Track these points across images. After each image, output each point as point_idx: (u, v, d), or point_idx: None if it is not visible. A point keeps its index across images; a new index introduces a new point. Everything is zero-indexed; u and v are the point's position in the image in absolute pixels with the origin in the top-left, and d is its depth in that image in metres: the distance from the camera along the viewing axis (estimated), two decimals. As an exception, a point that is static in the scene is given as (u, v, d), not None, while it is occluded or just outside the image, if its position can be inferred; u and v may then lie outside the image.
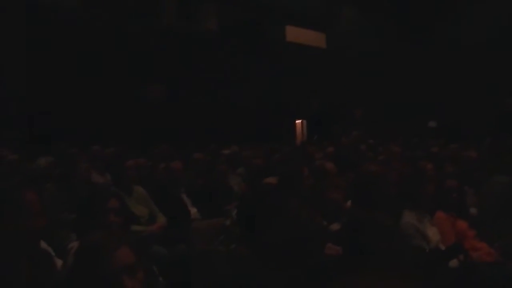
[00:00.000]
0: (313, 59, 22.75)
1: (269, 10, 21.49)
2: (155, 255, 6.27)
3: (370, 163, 7.35)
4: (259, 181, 6.34)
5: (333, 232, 5.68)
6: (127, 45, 17.14)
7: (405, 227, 5.54)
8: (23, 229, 3.52)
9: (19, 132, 13.33)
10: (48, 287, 3.61)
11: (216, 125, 17.89)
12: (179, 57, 18.60)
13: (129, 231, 5.10)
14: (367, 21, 24.07)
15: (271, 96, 20.87)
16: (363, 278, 1.35)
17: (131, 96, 16.81)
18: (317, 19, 23.32)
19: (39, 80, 14.69)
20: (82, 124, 14.71)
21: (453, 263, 5.24)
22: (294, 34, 22.74)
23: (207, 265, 5.03)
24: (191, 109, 18.17)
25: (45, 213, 3.82)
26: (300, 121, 23.54)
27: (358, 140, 15.51)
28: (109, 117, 15.58)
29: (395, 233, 4.94)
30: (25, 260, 2.50)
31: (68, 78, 15.30)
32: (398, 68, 22.51)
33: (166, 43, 18.33)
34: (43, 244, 4.10)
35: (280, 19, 22.18)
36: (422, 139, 15.87)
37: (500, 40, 20.14)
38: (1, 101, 13.86)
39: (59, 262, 4.14)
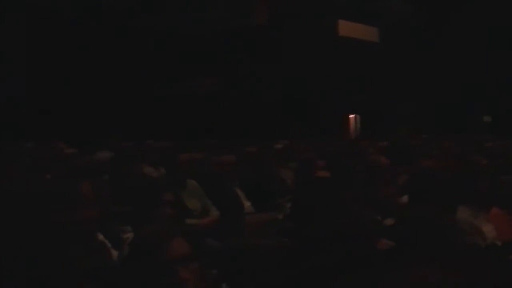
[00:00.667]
0: (366, 53, 22.59)
1: (321, 4, 21.40)
2: (208, 248, 6.30)
3: (425, 159, 7.29)
4: (312, 175, 6.33)
5: (387, 227, 5.64)
6: (179, 41, 17.26)
7: (459, 223, 5.47)
8: (79, 220, 3.58)
9: (77, 127, 13.52)
10: (104, 277, 3.66)
11: (268, 119, 17.88)
12: (232, 51, 18.65)
13: (183, 224, 5.15)
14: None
15: (324, 90, 20.78)
16: (418, 270, 1.34)
17: (184, 90, 16.92)
18: (369, 13, 23.15)
19: (93, 75, 14.89)
20: (137, 119, 14.88)
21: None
22: (347, 28, 22.61)
23: (260, 258, 5.04)
24: (243, 103, 18.20)
25: (100, 205, 3.88)
26: (353, 115, 23.43)
27: (411, 135, 15.38)
28: (163, 112, 15.73)
29: (450, 229, 4.88)
30: (82, 249, 2.55)
31: (123, 74, 15.48)
32: (452, 61, 22.22)
33: (216, 39, 18.40)
34: (100, 236, 4.17)
35: (332, 14, 22.07)
36: (477, 134, 15.67)
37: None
38: (57, 98, 14.09)
39: (114, 253, 4.20)
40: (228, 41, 18.68)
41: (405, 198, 6.42)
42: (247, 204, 7.85)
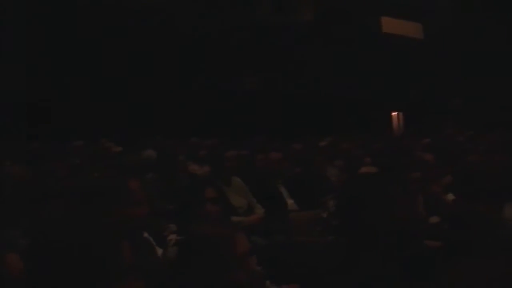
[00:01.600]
0: (410, 50, 22.45)
1: (365, 1, 21.32)
2: (253, 245, 6.32)
3: (472, 155, 7.21)
4: (359, 171, 6.30)
5: (433, 225, 5.61)
6: (223, 39, 17.32)
7: (508, 219, 5.41)
8: (126, 217, 3.62)
9: (123, 126, 13.64)
10: (149, 274, 3.69)
11: (312, 117, 17.87)
12: (275, 48, 18.66)
13: (229, 221, 5.17)
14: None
15: (367, 87, 20.69)
16: (469, 266, 1.33)
17: (228, 88, 17.00)
18: (413, 9, 22.98)
19: (136, 73, 15.04)
20: (181, 116, 14.99)
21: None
22: (390, 25, 22.48)
23: (305, 256, 5.04)
24: (286, 100, 18.21)
25: (147, 202, 3.92)
26: (396, 113, 23.31)
27: (457, 131, 15.24)
28: (208, 109, 15.83)
29: (498, 226, 4.83)
30: (127, 246, 2.57)
31: (167, 71, 15.61)
32: (499, 56, 21.93)
33: (261, 35, 18.42)
34: (145, 234, 4.20)
35: (376, 10, 21.96)
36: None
37: None
38: (101, 97, 14.26)
39: (159, 251, 4.24)
40: (273, 38, 18.69)
41: (450, 196, 6.37)
42: (290, 201, 7.85)
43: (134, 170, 7.41)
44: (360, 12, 21.37)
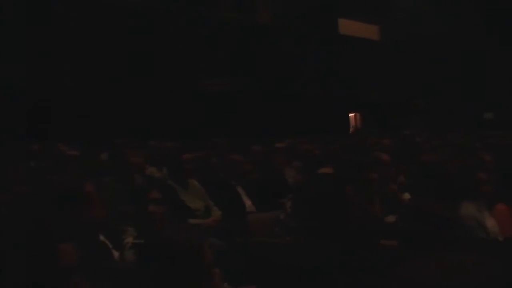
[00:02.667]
0: (367, 51, 22.62)
1: (322, 3, 21.44)
2: (211, 248, 6.28)
3: (429, 154, 7.29)
4: (316, 172, 6.32)
5: (389, 224, 5.64)
6: (185, 40, 17.28)
7: (463, 217, 5.47)
8: (83, 220, 3.59)
9: (79, 129, 13.50)
10: (105, 278, 3.66)
11: (270, 118, 17.90)
12: (237, 49, 18.68)
13: (186, 224, 5.15)
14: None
15: (325, 88, 20.80)
16: (426, 263, 1.33)
17: (191, 89, 16.96)
18: (370, 11, 23.16)
19: (95, 74, 14.92)
20: (140, 119, 14.90)
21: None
22: (347, 26, 22.63)
23: (263, 257, 5.04)
24: (247, 102, 18.22)
25: (104, 205, 3.89)
26: (353, 114, 23.47)
27: (415, 132, 15.41)
28: (167, 111, 15.76)
29: (454, 224, 4.88)
30: (70, 247, 2.55)
31: (128, 74, 15.51)
32: (459, 57, 22.23)
33: (223, 36, 18.43)
34: (101, 237, 4.16)
35: (333, 12, 22.10)
36: (480, 130, 15.68)
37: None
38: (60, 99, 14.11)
39: (116, 255, 4.20)
40: (234, 38, 18.70)
41: (406, 195, 6.43)
42: (248, 203, 7.85)
43: (91, 174, 7.35)
44: (318, 14, 21.47)
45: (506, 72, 21.18)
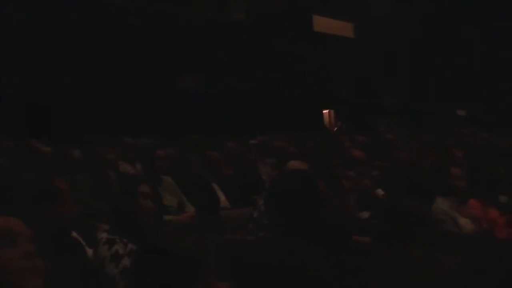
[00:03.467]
0: (341, 49, 22.68)
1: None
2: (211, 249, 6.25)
3: (403, 151, 7.33)
4: (289, 169, 6.33)
5: (362, 220, 5.67)
6: (160, 36, 17.23)
7: (437, 213, 5.52)
8: (54, 217, 3.56)
9: (52, 125, 13.40)
10: (77, 275, 3.63)
11: (245, 115, 17.89)
12: (212, 47, 18.64)
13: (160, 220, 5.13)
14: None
15: (299, 85, 20.83)
16: (399, 258, 1.33)
17: (166, 87, 16.91)
18: (344, 8, 23.21)
19: (66, 71, 14.82)
20: (114, 115, 14.84)
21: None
22: (321, 23, 22.65)
23: (237, 254, 5.03)
24: (222, 100, 18.21)
25: (76, 202, 3.86)
26: (327, 111, 23.51)
27: (388, 129, 15.48)
28: (142, 108, 15.70)
29: (428, 219, 4.91)
30: (54, 247, 2.52)
31: (103, 71, 15.43)
32: (428, 56, 22.37)
33: (198, 33, 18.39)
34: (74, 234, 4.13)
35: (307, 9, 22.11)
36: (453, 127, 15.78)
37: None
38: (30, 94, 14.00)
39: (89, 252, 4.17)
40: (209, 38, 18.66)
41: (380, 191, 6.47)
42: (223, 199, 7.84)
43: (64, 170, 7.30)
44: (293, 11, 21.48)
45: (479, 71, 21.37)
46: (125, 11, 16.77)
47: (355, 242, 4.70)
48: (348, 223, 5.02)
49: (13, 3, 14.41)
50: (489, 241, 5.24)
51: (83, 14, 15.51)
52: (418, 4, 22.99)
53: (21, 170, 7.52)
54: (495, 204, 6.22)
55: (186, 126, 14.81)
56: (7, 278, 2.52)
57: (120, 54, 16.08)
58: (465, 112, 22.24)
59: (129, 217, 4.30)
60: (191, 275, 2.46)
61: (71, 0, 15.41)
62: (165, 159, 7.67)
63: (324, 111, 23.46)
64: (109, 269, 3.98)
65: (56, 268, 3.09)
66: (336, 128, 21.15)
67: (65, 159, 8.91)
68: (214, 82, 18.50)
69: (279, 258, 3.38)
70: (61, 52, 14.91)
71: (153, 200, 4.50)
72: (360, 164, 6.89)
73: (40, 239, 2.81)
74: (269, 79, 19.97)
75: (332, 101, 22.42)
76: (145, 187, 4.44)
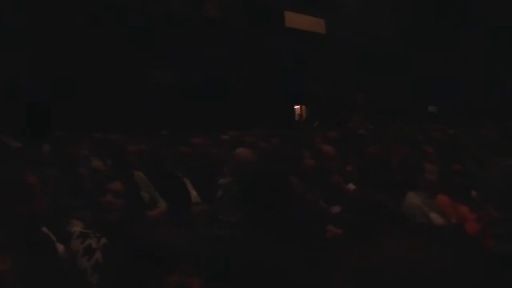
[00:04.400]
0: (313, 45, 22.73)
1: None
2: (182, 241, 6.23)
3: (374, 147, 7.37)
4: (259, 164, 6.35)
5: (334, 215, 5.68)
6: (132, 30, 17.15)
7: (408, 208, 5.57)
8: (23, 213, 3.53)
9: (22, 120, 13.30)
10: (48, 272, 3.61)
11: (215, 110, 17.88)
12: (184, 42, 18.59)
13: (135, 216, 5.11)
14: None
15: (271, 81, 20.85)
16: (381, 245, 1.34)
17: (136, 82, 16.85)
18: (316, 4, 23.27)
19: (38, 67, 14.71)
20: (85, 111, 14.76)
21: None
22: (293, 19, 22.68)
23: (208, 249, 5.03)
24: (193, 94, 18.18)
25: (46, 197, 3.83)
26: (299, 106, 23.56)
27: (359, 125, 15.54)
28: (116, 104, 15.65)
29: (399, 214, 4.94)
30: (24, 244, 2.50)
31: (72, 65, 15.34)
32: (400, 53, 22.52)
33: (169, 28, 18.34)
34: (44, 230, 4.10)
35: (279, 5, 22.14)
36: (423, 123, 15.89)
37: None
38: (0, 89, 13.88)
39: (60, 248, 4.14)
40: (180, 33, 18.60)
41: (351, 186, 6.50)
42: (194, 194, 7.83)
43: (34, 166, 7.24)
44: (265, 7, 21.50)
45: (450, 68, 21.54)
46: (97, 5, 16.67)
47: (327, 234, 4.72)
48: (319, 217, 5.04)
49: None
50: (461, 234, 5.28)
51: (51, 10, 15.39)
52: (391, 1, 23.13)
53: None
54: (466, 199, 6.29)
55: (157, 121, 14.77)
56: None
57: (89, 50, 15.99)
58: (435, 109, 22.42)
59: (100, 213, 4.29)
60: (163, 270, 2.45)
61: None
62: (136, 154, 7.64)
63: (296, 107, 23.51)
64: (81, 263, 3.97)
65: (26, 264, 3.07)
66: (307, 124, 21.19)
67: (35, 154, 8.84)
68: (185, 77, 18.46)
69: (251, 254, 3.38)
70: (31, 48, 14.80)
71: (126, 196, 4.49)
72: (331, 160, 6.92)
73: (9, 234, 2.79)
74: (240, 75, 19.96)
75: (303, 96, 22.46)
76: (117, 184, 4.42)
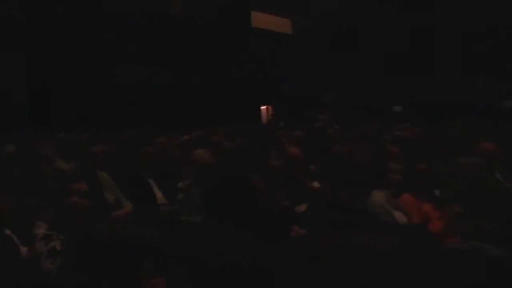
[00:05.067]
0: (280, 45, 22.78)
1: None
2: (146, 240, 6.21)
3: (339, 146, 7.41)
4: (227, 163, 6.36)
5: (299, 214, 5.70)
6: (99, 27, 17.06)
7: (372, 206, 5.60)
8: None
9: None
10: (10, 274, 3.58)
11: (181, 110, 17.83)
12: (151, 40, 18.54)
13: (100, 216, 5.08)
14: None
15: (237, 81, 20.86)
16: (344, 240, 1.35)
17: (103, 80, 16.75)
18: (283, 4, 23.32)
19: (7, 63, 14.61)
20: (50, 109, 14.65)
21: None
22: (260, 20, 22.71)
23: (174, 249, 5.01)
24: (158, 92, 18.13)
25: (9, 198, 3.79)
26: (265, 106, 23.60)
27: (325, 124, 15.58)
28: (81, 103, 15.56)
29: (363, 212, 4.98)
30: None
31: (38, 64, 15.23)
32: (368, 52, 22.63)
33: (136, 25, 18.26)
34: (7, 232, 4.07)
35: (246, 5, 22.16)
36: (389, 123, 15.98)
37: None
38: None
39: (23, 250, 4.11)
40: (148, 30, 18.54)
41: (316, 184, 6.52)
42: (159, 195, 7.79)
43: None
44: (231, 6, 21.51)
45: (417, 66, 21.67)
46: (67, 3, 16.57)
47: (292, 234, 4.73)
48: (284, 217, 5.05)
49: None
50: (422, 231, 5.34)
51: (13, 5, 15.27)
52: (358, 2, 23.25)
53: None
54: (430, 198, 6.35)
55: (122, 121, 14.69)
56: None
57: (57, 46, 15.87)
58: (400, 109, 22.57)
59: (64, 214, 4.26)
60: (128, 270, 2.45)
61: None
62: (101, 154, 7.60)
63: (262, 107, 23.55)
64: (45, 265, 3.94)
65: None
66: (274, 123, 21.22)
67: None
68: (150, 76, 18.39)
69: (216, 253, 3.38)
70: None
71: (91, 197, 4.47)
72: (296, 159, 6.95)
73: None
74: (207, 74, 19.95)
75: (270, 96, 22.51)
76: (82, 184, 4.40)
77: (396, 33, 22.57)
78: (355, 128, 14.01)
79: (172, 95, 18.43)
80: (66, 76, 15.87)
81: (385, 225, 5.34)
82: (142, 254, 2.52)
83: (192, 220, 5.87)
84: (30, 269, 3.95)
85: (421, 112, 19.43)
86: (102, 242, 2.62)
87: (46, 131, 11.28)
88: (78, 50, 16.41)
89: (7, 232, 4.04)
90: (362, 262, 1.23)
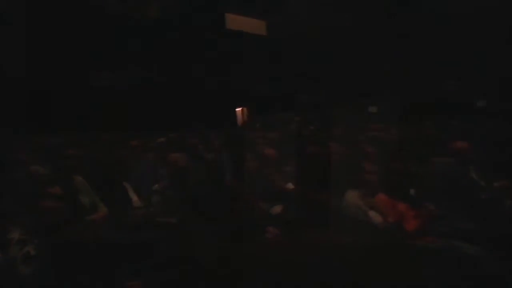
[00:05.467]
0: (255, 46, 22.77)
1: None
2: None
3: (315, 146, 7.44)
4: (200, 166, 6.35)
5: (275, 215, 5.71)
6: (73, 30, 16.97)
7: (347, 205, 5.63)
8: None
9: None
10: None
11: (156, 112, 17.79)
12: (127, 43, 18.46)
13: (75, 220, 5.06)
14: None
15: (212, 83, 20.84)
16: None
17: (78, 83, 16.66)
18: (258, 6, 23.32)
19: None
20: (25, 112, 14.55)
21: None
22: (234, 21, 22.70)
23: (150, 253, 5.01)
24: (133, 95, 18.07)
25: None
26: (240, 108, 23.58)
27: (300, 125, 15.62)
28: (55, 105, 15.45)
29: (338, 211, 5.00)
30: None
31: (13, 67, 15.12)
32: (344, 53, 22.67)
33: (111, 28, 18.18)
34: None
35: (220, 7, 22.14)
36: (364, 123, 16.02)
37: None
38: None
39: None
40: (123, 33, 18.45)
41: (290, 185, 6.54)
42: (135, 199, 7.77)
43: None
44: (205, 8, 21.48)
45: (393, 67, 21.74)
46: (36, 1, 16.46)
47: (267, 235, 4.75)
48: (259, 216, 5.06)
49: None
50: (397, 230, 5.38)
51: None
52: (332, 3, 23.28)
53: None
54: (405, 197, 6.39)
55: (97, 124, 14.62)
56: None
57: (31, 50, 15.77)
58: (376, 109, 22.64)
59: (39, 218, 4.24)
60: (104, 273, 2.45)
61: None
62: (76, 158, 7.57)
63: (238, 109, 23.54)
64: (20, 269, 3.92)
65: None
66: (249, 125, 21.22)
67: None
68: (125, 79, 18.34)
69: (191, 255, 3.39)
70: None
71: (66, 201, 4.45)
72: (271, 161, 6.96)
73: None
74: (181, 77, 19.91)
75: (245, 98, 22.51)
76: (56, 188, 4.38)
77: (371, 34, 22.65)
78: (330, 129, 14.04)
79: (146, 97, 18.37)
80: (40, 78, 15.76)
81: (360, 224, 5.38)
82: (117, 258, 2.53)
83: (167, 222, 5.86)
84: (5, 274, 3.93)
85: (396, 113, 19.50)
86: (77, 246, 2.62)
87: (20, 134, 11.22)
88: (50, 53, 16.31)
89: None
90: (334, 260, 1.25)
